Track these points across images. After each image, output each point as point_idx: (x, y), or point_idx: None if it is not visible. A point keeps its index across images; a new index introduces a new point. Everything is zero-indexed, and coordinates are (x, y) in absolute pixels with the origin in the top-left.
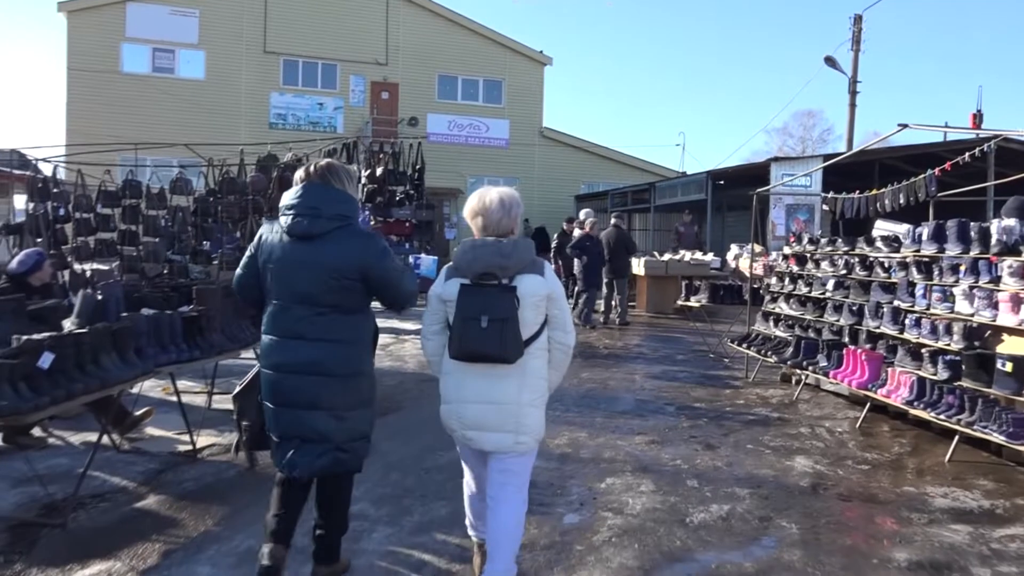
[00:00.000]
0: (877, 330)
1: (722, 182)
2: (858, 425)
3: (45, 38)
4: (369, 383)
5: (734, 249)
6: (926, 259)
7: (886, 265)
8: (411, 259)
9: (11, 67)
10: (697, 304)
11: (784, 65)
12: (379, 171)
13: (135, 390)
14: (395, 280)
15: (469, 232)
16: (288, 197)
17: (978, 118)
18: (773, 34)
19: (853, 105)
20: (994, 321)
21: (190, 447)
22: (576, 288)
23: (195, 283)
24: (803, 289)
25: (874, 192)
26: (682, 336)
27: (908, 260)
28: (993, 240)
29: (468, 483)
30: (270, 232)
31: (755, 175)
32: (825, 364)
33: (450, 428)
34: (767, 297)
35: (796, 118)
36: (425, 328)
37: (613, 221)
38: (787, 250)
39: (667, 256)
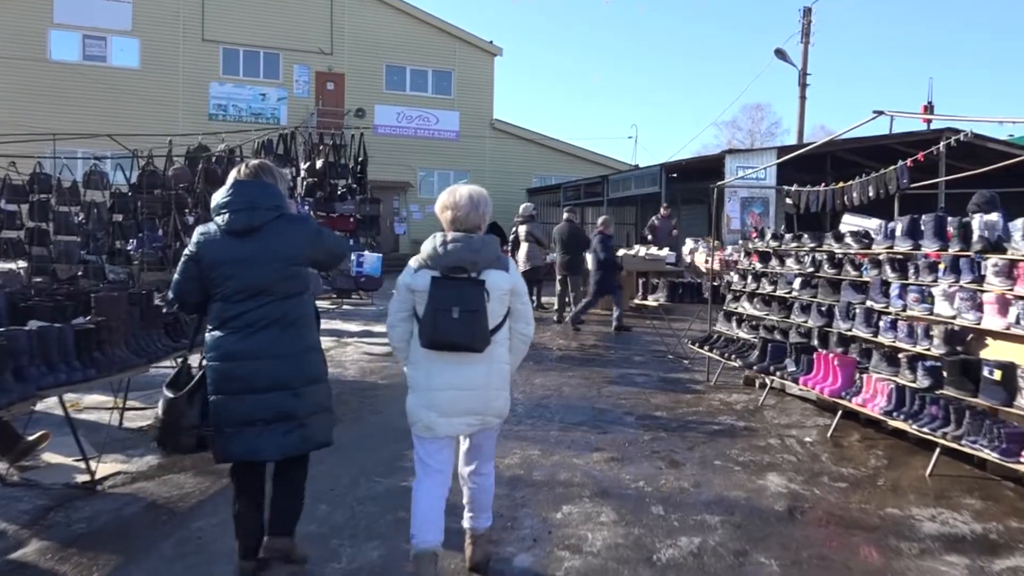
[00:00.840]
0: (849, 333)
1: (675, 175)
2: (829, 435)
3: None
4: (320, 357)
5: (689, 243)
6: (900, 256)
7: (857, 263)
8: (353, 256)
9: None
10: (655, 303)
11: (734, 58)
12: (319, 163)
13: (39, 407)
14: (333, 251)
15: (421, 226)
16: (220, 196)
17: (929, 110)
18: (724, 27)
19: (803, 98)
20: (979, 324)
21: (88, 477)
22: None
23: (94, 289)
24: (767, 288)
25: (840, 185)
26: (639, 335)
27: (881, 257)
28: (975, 236)
29: (422, 488)
30: (207, 234)
31: (709, 168)
32: (794, 369)
33: (415, 417)
34: (729, 296)
35: (745, 112)
36: (392, 316)
37: (566, 215)
38: (750, 246)
39: (622, 251)
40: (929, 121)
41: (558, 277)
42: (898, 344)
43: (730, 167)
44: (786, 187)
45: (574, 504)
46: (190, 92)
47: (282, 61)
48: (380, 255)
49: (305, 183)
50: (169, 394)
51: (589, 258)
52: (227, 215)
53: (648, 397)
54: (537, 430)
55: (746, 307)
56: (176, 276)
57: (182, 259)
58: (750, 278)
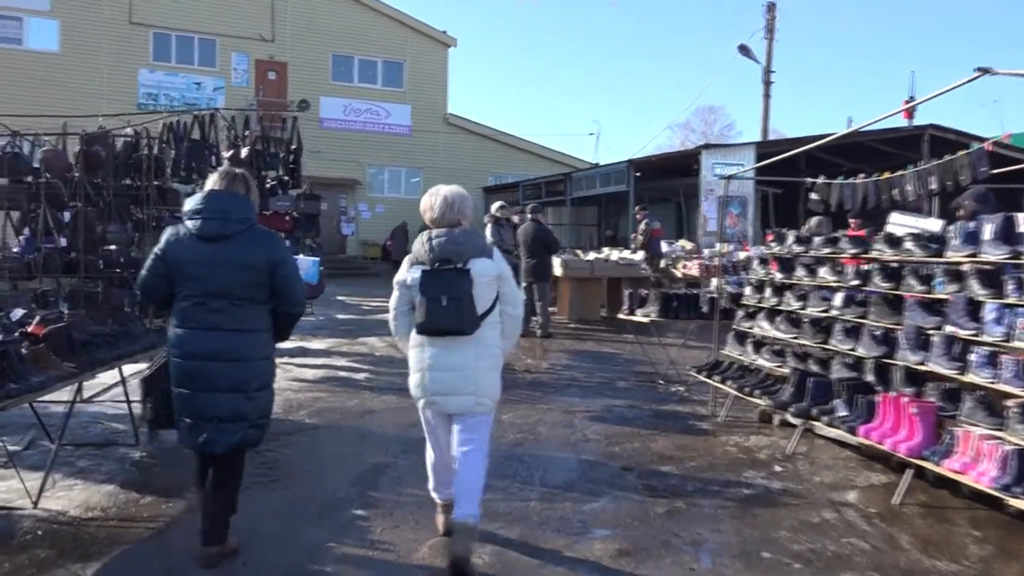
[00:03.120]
0: (922, 367)
1: (639, 174)
2: (898, 502)
3: None
4: (272, 366)
5: (663, 246)
6: (989, 267)
7: (922, 274)
8: None
9: None
10: (645, 318)
11: (691, 59)
12: (244, 152)
13: None
14: (293, 283)
15: (370, 226)
16: (193, 202)
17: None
18: (683, 26)
19: (767, 96)
20: None
21: None
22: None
23: None
24: (794, 303)
25: (886, 176)
26: (617, 352)
27: (965, 268)
28: None
29: (431, 451)
30: (176, 235)
31: (681, 165)
32: (846, 414)
33: (416, 395)
34: (740, 313)
35: (698, 114)
36: (395, 310)
37: (530, 215)
38: (765, 251)
39: (592, 255)
40: (911, 116)
41: (522, 284)
42: (1001, 386)
43: (707, 163)
44: (811, 179)
45: None
46: (116, 79)
47: (219, 48)
48: (317, 259)
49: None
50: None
51: None
52: (199, 221)
53: (647, 441)
54: (512, 499)
55: (765, 327)
56: (143, 272)
57: (150, 256)
58: (769, 291)
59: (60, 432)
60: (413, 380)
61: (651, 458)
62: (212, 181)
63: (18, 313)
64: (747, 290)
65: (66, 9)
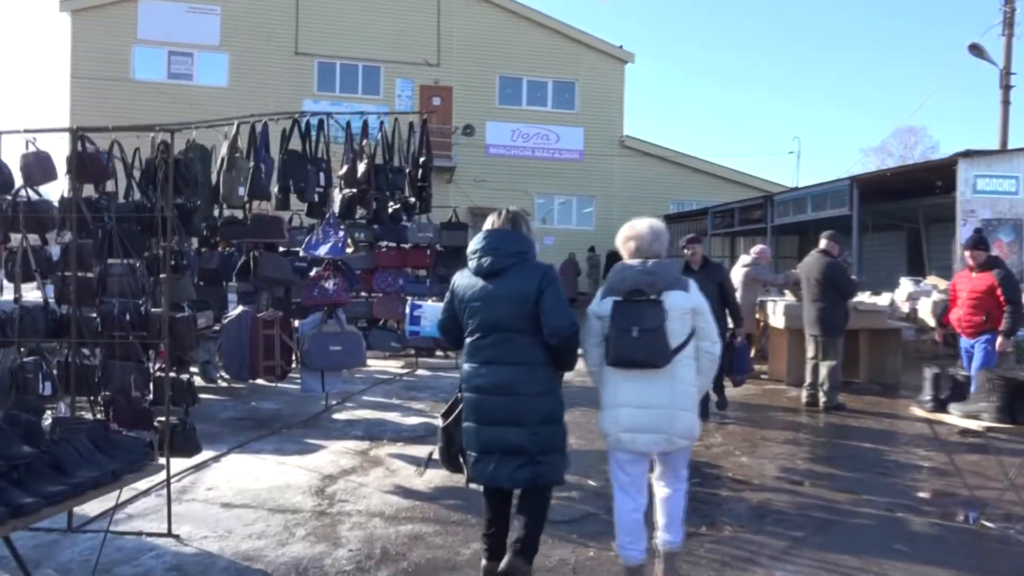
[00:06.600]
0: None
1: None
2: None
3: (48, 41)
4: (556, 401)
5: (906, 285)
6: None
7: None
8: (408, 307)
9: (11, 73)
10: (974, 424)
11: (884, 78)
12: (362, 168)
13: None
14: (552, 308)
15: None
16: (474, 242)
17: None
18: (879, 49)
19: (1006, 102)
20: None
21: None
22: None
23: None
24: None
25: None
26: (886, 448)
27: None
28: None
29: (620, 497)
30: (462, 274)
31: (920, 182)
32: None
33: (605, 431)
34: None
35: (897, 136)
36: (588, 343)
37: (823, 244)
38: None
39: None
40: None
41: (807, 333)
42: None
43: (965, 177)
44: None
45: None
46: (282, 110)
47: (383, 75)
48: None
49: (342, 196)
50: (439, 423)
51: None
52: (476, 259)
53: None
54: None
55: None
56: (440, 314)
57: (445, 298)
58: None
59: None
60: (604, 416)
61: None
62: (490, 221)
63: None
64: None
65: (234, 42)
